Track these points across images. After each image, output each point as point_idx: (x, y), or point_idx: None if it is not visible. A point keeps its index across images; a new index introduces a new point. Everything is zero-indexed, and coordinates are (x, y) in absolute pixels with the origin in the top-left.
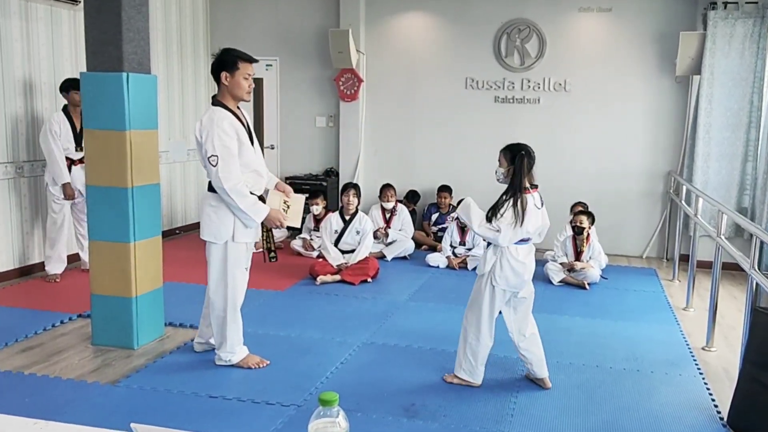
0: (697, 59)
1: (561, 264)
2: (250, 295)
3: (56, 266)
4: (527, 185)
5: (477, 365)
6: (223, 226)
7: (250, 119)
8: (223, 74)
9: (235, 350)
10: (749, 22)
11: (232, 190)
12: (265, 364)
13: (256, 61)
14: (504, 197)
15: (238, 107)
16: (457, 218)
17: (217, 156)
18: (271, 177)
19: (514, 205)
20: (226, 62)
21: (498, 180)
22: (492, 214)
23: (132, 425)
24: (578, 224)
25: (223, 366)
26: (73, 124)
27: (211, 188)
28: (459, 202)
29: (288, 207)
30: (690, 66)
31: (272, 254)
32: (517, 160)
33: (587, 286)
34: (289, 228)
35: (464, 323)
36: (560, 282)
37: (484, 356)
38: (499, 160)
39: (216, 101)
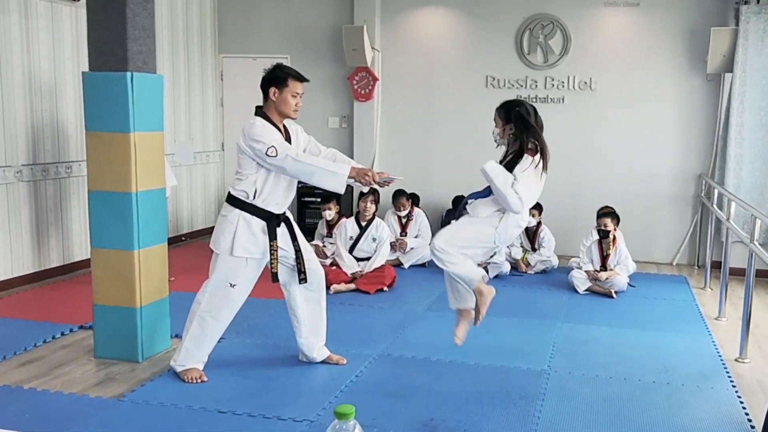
0: (728, 56)
1: (586, 272)
2: (259, 305)
3: None
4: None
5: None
6: (222, 237)
7: (301, 137)
8: (272, 89)
9: (184, 363)
10: None
11: (299, 156)
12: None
13: (307, 80)
14: (510, 158)
15: (284, 125)
16: None
17: (274, 146)
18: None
19: (526, 168)
20: (277, 78)
21: (495, 141)
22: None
23: None
24: (603, 227)
25: (233, 379)
26: None
27: (229, 198)
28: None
29: None
30: (721, 63)
31: (302, 275)
32: (513, 115)
33: (614, 295)
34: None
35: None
36: (586, 290)
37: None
38: (494, 120)
39: (259, 112)
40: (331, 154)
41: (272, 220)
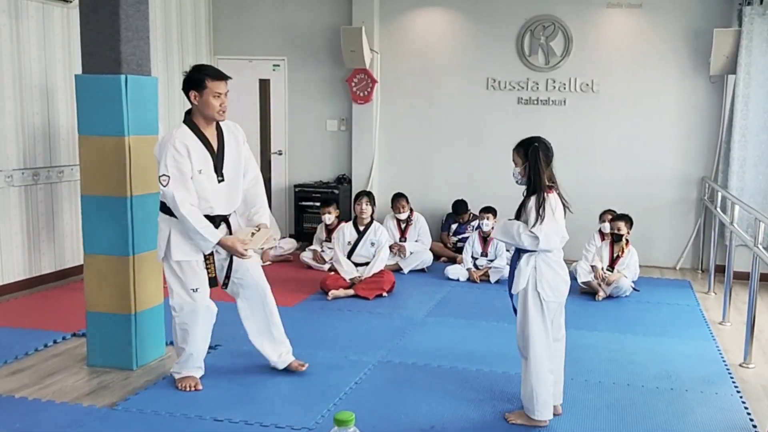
0: (732, 58)
1: (592, 266)
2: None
3: None
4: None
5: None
6: (159, 244)
7: (240, 149)
8: (192, 93)
9: (180, 371)
10: None
11: (185, 210)
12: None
13: (228, 78)
14: (528, 201)
15: (219, 128)
16: (479, 227)
17: (168, 176)
18: (258, 211)
19: (541, 205)
20: (193, 81)
21: (517, 182)
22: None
23: None
24: (616, 231)
25: (229, 387)
26: None
27: (160, 205)
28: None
29: (252, 236)
30: (725, 65)
31: (226, 280)
32: (531, 154)
33: (598, 297)
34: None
35: (527, 360)
36: (583, 283)
37: (547, 387)
38: (513, 160)
39: (186, 119)
40: (252, 187)
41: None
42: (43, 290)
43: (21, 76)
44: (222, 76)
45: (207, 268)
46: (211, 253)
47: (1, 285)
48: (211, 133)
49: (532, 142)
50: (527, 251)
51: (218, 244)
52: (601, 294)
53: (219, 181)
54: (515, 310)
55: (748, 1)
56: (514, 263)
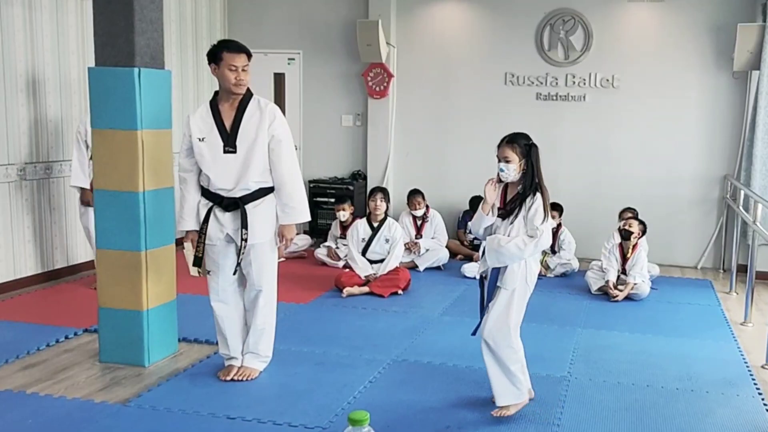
0: (756, 53)
1: (607, 281)
2: None
3: None
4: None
5: (523, 380)
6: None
7: (264, 115)
8: (212, 67)
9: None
10: None
11: (181, 178)
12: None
13: (245, 51)
14: (530, 199)
15: (243, 102)
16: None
17: (181, 151)
18: (283, 209)
19: (544, 202)
20: (212, 53)
21: (506, 179)
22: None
23: None
24: (627, 227)
25: (242, 385)
26: None
27: None
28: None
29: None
30: (748, 61)
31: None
32: (533, 153)
33: (616, 298)
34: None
35: (493, 347)
36: (598, 291)
37: (524, 366)
38: (505, 157)
39: (214, 95)
40: (275, 170)
41: (212, 205)
42: (54, 285)
43: (34, 67)
44: (239, 49)
45: (197, 246)
46: (204, 231)
47: (13, 280)
48: (229, 106)
49: (526, 138)
50: None
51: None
52: (617, 294)
53: (226, 151)
54: (486, 302)
55: None
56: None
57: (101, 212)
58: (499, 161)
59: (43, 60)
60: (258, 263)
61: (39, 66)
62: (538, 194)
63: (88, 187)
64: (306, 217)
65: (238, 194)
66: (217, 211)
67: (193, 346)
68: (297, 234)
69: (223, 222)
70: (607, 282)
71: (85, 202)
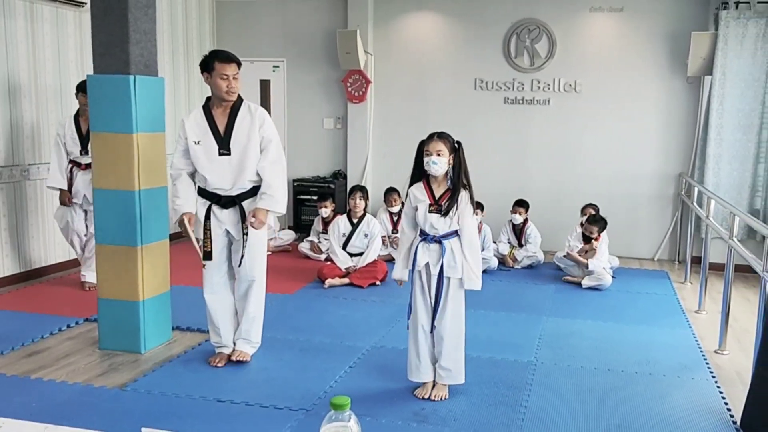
0: (708, 60)
1: (566, 255)
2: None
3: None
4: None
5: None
6: None
7: (254, 119)
8: (204, 75)
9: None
10: (761, 22)
11: (173, 176)
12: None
13: (235, 60)
14: (462, 195)
15: (236, 109)
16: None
17: (176, 152)
18: (261, 197)
19: (471, 197)
20: (204, 63)
21: (437, 173)
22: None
23: (143, 429)
24: (589, 233)
25: (231, 370)
26: (80, 128)
27: None
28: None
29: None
30: (701, 66)
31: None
32: (460, 152)
33: (581, 269)
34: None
35: (450, 334)
36: (564, 256)
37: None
38: (438, 150)
39: (206, 101)
40: (263, 168)
41: (210, 203)
42: (57, 278)
43: (36, 76)
44: (229, 59)
45: (204, 241)
46: (209, 227)
47: (19, 272)
48: (222, 112)
49: (453, 138)
50: (454, 237)
51: (182, 218)
52: (583, 260)
53: (221, 153)
54: (439, 293)
55: (724, 5)
56: (445, 253)
57: (100, 210)
58: (430, 155)
59: (44, 68)
60: (251, 255)
61: (40, 74)
62: (464, 191)
63: (65, 188)
64: (280, 208)
65: (235, 193)
66: (215, 209)
67: (185, 334)
68: (282, 229)
69: (222, 219)
70: (568, 254)
71: (63, 202)
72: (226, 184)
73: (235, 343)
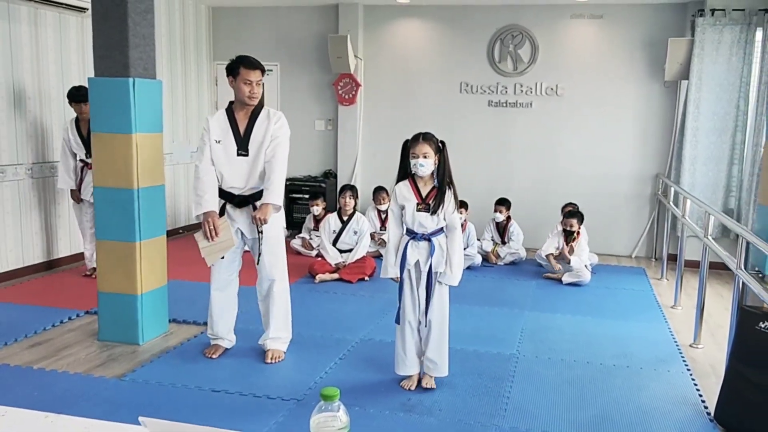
0: (685, 65)
1: (546, 256)
2: (249, 293)
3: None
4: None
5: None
6: None
7: (270, 123)
8: (229, 79)
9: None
10: (736, 29)
11: (198, 170)
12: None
13: (259, 67)
14: (446, 192)
15: (255, 112)
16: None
17: (198, 149)
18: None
19: (455, 195)
20: (230, 68)
21: (424, 174)
22: (440, 209)
23: (140, 418)
24: (569, 227)
25: (226, 362)
26: (80, 131)
27: None
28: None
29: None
30: (678, 71)
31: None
32: (444, 152)
33: (557, 270)
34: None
35: (436, 327)
36: (545, 277)
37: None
38: (425, 153)
39: (229, 103)
40: (268, 165)
41: (224, 202)
42: (59, 272)
43: (40, 78)
44: (254, 66)
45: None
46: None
47: (23, 267)
48: (244, 115)
49: (437, 138)
50: (441, 234)
51: (204, 215)
52: (558, 267)
53: (239, 154)
54: (430, 290)
55: (701, 12)
56: (434, 250)
57: (101, 207)
58: (417, 157)
59: (47, 71)
60: (270, 255)
61: (44, 77)
62: (448, 190)
63: (75, 188)
64: (276, 200)
65: (247, 192)
66: (229, 208)
67: (182, 326)
68: None
69: (235, 218)
70: (547, 256)
71: (75, 199)
72: (240, 183)
73: (265, 344)
